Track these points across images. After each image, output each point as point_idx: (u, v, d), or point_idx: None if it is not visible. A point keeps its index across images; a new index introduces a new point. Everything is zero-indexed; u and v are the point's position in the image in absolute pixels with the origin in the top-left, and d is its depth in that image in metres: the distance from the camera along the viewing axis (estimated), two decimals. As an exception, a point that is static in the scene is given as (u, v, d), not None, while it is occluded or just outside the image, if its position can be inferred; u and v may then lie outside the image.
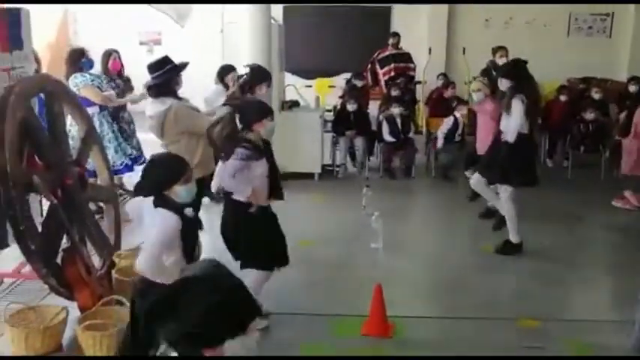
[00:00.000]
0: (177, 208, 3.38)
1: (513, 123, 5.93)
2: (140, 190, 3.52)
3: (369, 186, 7.96)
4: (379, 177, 9.52)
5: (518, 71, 6.12)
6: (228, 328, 1.74)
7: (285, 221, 7.05)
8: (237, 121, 4.43)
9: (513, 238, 6.26)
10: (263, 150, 4.46)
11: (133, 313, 3.34)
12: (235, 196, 4.44)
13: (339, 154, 9.71)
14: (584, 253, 6.33)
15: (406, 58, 11.11)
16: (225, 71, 7.26)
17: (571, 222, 7.13)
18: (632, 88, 9.45)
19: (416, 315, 5.01)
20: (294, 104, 9.40)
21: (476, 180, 6.52)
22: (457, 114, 9.28)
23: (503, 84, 6.06)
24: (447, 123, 9.35)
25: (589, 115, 9.37)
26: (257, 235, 4.49)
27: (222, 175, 4.44)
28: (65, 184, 4.72)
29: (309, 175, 9.20)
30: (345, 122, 9.55)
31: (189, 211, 3.46)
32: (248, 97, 5.88)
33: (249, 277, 4.45)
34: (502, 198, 6.24)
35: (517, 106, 5.90)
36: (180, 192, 3.40)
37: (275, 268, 4.70)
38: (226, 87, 7.06)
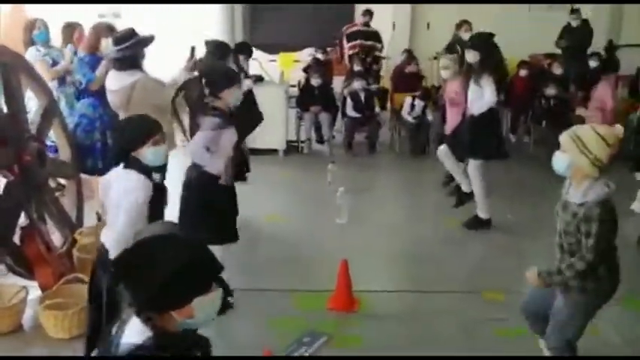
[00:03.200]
0: (146, 172, 3.31)
1: (487, 98, 5.96)
2: (110, 153, 3.47)
3: (334, 162, 7.96)
4: (345, 153, 9.50)
5: (486, 43, 6.14)
6: (194, 287, 1.71)
7: (251, 197, 7.02)
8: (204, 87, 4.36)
9: (482, 213, 6.31)
10: (230, 117, 4.38)
11: (92, 285, 3.23)
12: (207, 169, 4.33)
13: (303, 130, 9.66)
14: (546, 226, 6.35)
15: (374, 36, 11.04)
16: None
17: (533, 196, 7.22)
18: (592, 64, 9.57)
19: (381, 289, 5.03)
20: (259, 79, 9.26)
21: (443, 152, 6.49)
22: (415, 102, 9.40)
23: (472, 56, 6.04)
24: (407, 104, 9.43)
25: (550, 91, 9.47)
26: (223, 209, 4.42)
27: (195, 149, 4.32)
28: (23, 160, 4.58)
29: (273, 151, 9.14)
30: (310, 97, 9.47)
31: (157, 176, 3.39)
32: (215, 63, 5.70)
33: None
34: (471, 174, 6.27)
35: (489, 81, 5.93)
36: (148, 154, 3.31)
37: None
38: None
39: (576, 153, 3.16)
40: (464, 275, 5.33)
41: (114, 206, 3.33)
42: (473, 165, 6.21)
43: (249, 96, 7.41)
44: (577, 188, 3.23)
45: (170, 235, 1.79)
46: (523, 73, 10.17)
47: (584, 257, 3.15)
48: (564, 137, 3.24)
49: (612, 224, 3.16)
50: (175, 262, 1.67)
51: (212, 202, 4.35)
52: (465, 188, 6.46)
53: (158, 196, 3.37)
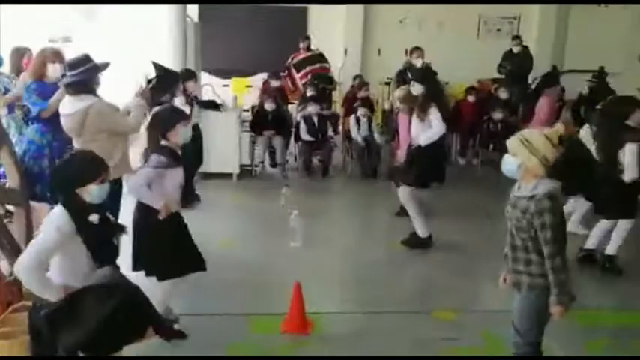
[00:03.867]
0: (84, 211, 3.28)
1: (436, 129, 6.22)
2: (51, 188, 3.42)
3: (288, 185, 8.04)
4: (298, 177, 9.59)
5: (429, 77, 6.53)
6: (127, 333, 1.72)
7: (204, 222, 7.03)
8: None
9: (421, 232, 6.47)
10: (180, 157, 4.37)
11: (31, 321, 3.18)
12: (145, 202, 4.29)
13: (257, 154, 9.71)
14: (493, 246, 6.54)
15: (320, 58, 11.22)
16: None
17: (481, 217, 7.40)
18: (533, 86, 9.93)
19: (334, 311, 5.09)
20: (215, 106, 9.30)
21: (401, 192, 6.64)
22: (358, 113, 9.65)
23: (417, 88, 6.33)
24: (351, 123, 9.63)
25: (497, 115, 9.77)
26: (162, 243, 4.32)
27: (134, 185, 4.26)
28: (-30, 186, 4.51)
29: (227, 176, 9.16)
30: (263, 122, 9.55)
31: (95, 217, 3.33)
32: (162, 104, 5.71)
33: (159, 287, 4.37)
34: (401, 197, 6.50)
35: (435, 114, 6.20)
36: (94, 191, 3.29)
37: (189, 272, 4.52)
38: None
39: (526, 154, 3.34)
40: (415, 295, 5.43)
41: None
42: (402, 189, 6.45)
43: (197, 131, 7.51)
44: (526, 186, 3.39)
45: (103, 284, 1.79)
46: (471, 98, 10.47)
47: (550, 253, 3.27)
48: (513, 142, 3.42)
49: (562, 218, 3.32)
50: (106, 311, 1.69)
51: (158, 236, 4.31)
52: (421, 234, 6.55)
53: (98, 232, 3.32)
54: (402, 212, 7.52)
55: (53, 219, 3.28)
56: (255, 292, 5.37)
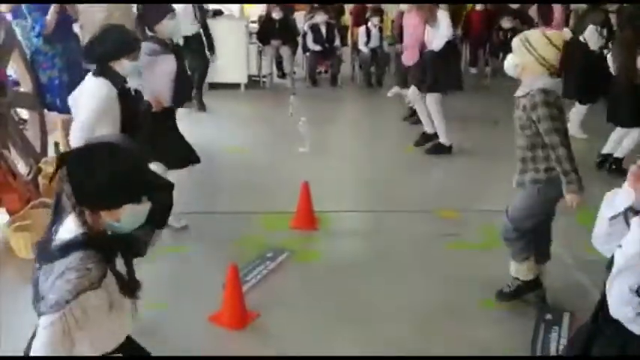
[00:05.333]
0: (118, 80, 3.47)
1: (442, 32, 6.21)
2: (87, 54, 3.62)
3: (295, 94, 8.06)
4: (305, 86, 9.59)
5: None
6: (126, 194, 1.82)
7: (213, 130, 7.13)
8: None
9: (443, 140, 6.54)
10: (169, 46, 4.39)
11: None
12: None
13: (265, 64, 9.68)
14: (500, 150, 6.63)
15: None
16: None
17: (489, 124, 7.45)
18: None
19: (342, 209, 5.22)
20: (218, 13, 9.24)
21: (412, 92, 6.69)
22: (369, 24, 9.45)
23: None
24: (361, 34, 9.51)
25: (506, 24, 9.62)
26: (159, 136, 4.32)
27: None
28: (-18, 89, 4.60)
29: (235, 86, 9.18)
30: (271, 31, 9.47)
31: (131, 84, 3.57)
32: None
33: None
34: (429, 104, 6.49)
35: (443, 15, 6.18)
36: (128, 66, 3.50)
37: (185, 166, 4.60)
38: None
39: (523, 52, 3.37)
40: (420, 196, 5.54)
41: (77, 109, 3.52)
42: (430, 97, 6.42)
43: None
44: (524, 84, 3.45)
45: (116, 144, 1.89)
46: (479, 7, 10.26)
47: (552, 143, 3.31)
48: (515, 41, 3.46)
49: (558, 110, 3.34)
50: (114, 167, 1.79)
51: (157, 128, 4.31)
52: (429, 130, 6.68)
53: (132, 101, 3.53)
54: (409, 117, 7.60)
55: (92, 91, 3.48)
56: (265, 193, 5.51)
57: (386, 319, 3.64)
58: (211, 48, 7.93)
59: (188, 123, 6.83)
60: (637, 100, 5.69)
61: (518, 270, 3.73)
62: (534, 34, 3.42)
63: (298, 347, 3.38)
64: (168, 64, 4.37)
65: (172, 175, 4.46)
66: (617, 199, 1.96)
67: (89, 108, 3.44)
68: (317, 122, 7.13)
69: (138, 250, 2.02)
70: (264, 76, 9.70)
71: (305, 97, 8.54)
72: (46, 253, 1.82)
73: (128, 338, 2.09)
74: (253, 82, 9.53)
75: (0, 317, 3.45)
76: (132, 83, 3.69)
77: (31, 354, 1.80)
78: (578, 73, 6.59)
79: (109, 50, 3.48)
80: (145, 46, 4.16)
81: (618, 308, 1.87)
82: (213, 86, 8.89)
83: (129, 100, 3.56)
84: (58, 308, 1.74)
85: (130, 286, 1.91)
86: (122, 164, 1.80)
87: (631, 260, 1.81)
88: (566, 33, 4.65)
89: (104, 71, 3.49)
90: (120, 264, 1.93)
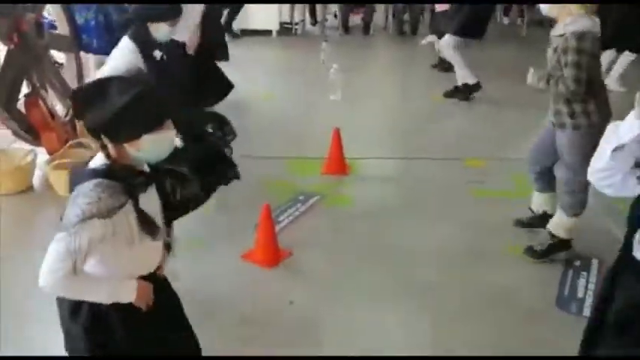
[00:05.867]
0: (148, 46, 3.50)
1: None
2: (132, 11, 3.67)
3: (327, 41, 8.03)
4: (338, 34, 9.54)
5: None
6: (142, 123, 1.87)
7: (245, 77, 7.16)
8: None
9: (470, 80, 6.52)
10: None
11: None
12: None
13: (297, 11, 9.63)
14: (529, 100, 6.61)
15: None
16: None
17: (521, 74, 7.34)
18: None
19: (372, 156, 5.27)
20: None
21: (446, 44, 6.60)
22: None
23: None
24: None
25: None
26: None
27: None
28: (21, 29, 4.68)
29: (267, 32, 9.16)
30: (304, -23, 9.39)
31: (158, 53, 3.56)
32: None
33: None
34: (443, 47, 6.52)
35: None
36: (164, 32, 3.54)
37: None
38: None
39: None
40: (448, 144, 5.54)
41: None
42: (446, 42, 6.44)
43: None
44: (560, 24, 3.39)
45: (126, 76, 1.93)
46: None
47: (567, 85, 3.30)
48: None
49: (591, 57, 3.30)
50: (126, 96, 1.82)
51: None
52: (470, 81, 6.58)
53: (161, 71, 3.53)
54: (439, 65, 7.55)
55: (121, 46, 3.55)
56: (297, 139, 5.58)
57: (413, 262, 3.72)
58: None
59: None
60: None
61: (562, 226, 3.65)
62: None
63: (328, 285, 3.49)
64: (194, 10, 4.39)
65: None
66: (621, 129, 1.87)
67: (111, 69, 3.41)
68: (349, 70, 7.12)
69: (176, 196, 2.07)
70: (296, 23, 9.65)
71: (337, 44, 8.51)
72: (75, 181, 1.89)
73: (161, 282, 2.14)
74: (285, 29, 9.50)
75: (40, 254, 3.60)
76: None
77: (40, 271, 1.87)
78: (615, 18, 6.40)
79: (153, 11, 3.53)
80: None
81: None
82: (245, 32, 8.89)
83: (155, 67, 3.53)
84: (65, 229, 1.82)
85: (149, 226, 1.92)
86: (132, 94, 1.82)
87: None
88: None
89: (139, 34, 3.53)
90: (153, 203, 1.98)
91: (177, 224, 2.22)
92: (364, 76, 7.63)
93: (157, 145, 1.91)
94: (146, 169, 1.97)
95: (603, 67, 6.69)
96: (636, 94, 1.84)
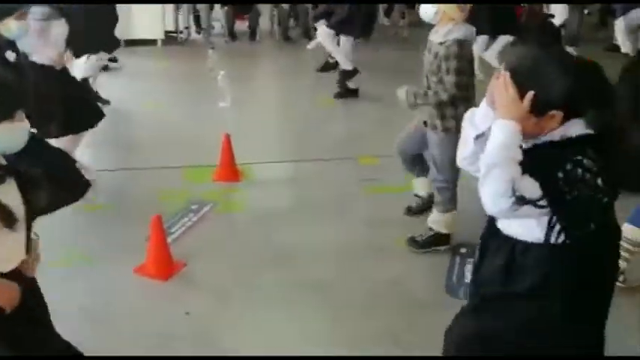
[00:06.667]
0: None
1: None
2: None
3: (213, 48, 7.99)
4: (224, 41, 9.49)
5: None
6: None
7: (130, 87, 6.99)
8: None
9: (346, 65, 6.79)
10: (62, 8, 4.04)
11: None
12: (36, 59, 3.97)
13: (182, 19, 9.50)
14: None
15: None
16: None
17: (405, 73, 7.56)
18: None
19: (264, 161, 5.28)
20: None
21: (324, 33, 6.80)
22: None
23: None
24: None
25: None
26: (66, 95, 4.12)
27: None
28: None
29: (151, 42, 8.99)
30: (186, -15, 9.28)
31: (11, 55, 3.37)
32: None
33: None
34: (342, 46, 6.73)
35: None
36: (14, 28, 3.33)
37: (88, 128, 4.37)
38: None
39: None
40: (340, 144, 5.65)
41: None
42: (346, 40, 6.66)
43: None
44: (440, 30, 3.52)
45: None
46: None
47: (447, 90, 3.46)
48: None
49: (469, 62, 3.49)
50: None
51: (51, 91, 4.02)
52: (347, 67, 6.81)
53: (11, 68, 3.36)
54: (326, 67, 7.69)
55: None
56: (187, 147, 5.48)
57: (308, 262, 3.76)
58: None
59: (103, 81, 6.72)
60: None
61: (438, 221, 3.81)
62: None
63: (224, 292, 3.45)
64: (62, 28, 4.11)
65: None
66: (477, 118, 1.95)
67: None
68: (237, 76, 7.10)
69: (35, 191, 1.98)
70: (181, 32, 9.52)
71: (224, 51, 8.48)
72: None
73: (34, 297, 2.06)
74: (170, 38, 9.35)
75: None
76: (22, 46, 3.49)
77: None
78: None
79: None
80: (35, 10, 3.89)
81: (494, 201, 1.82)
82: (129, 43, 8.67)
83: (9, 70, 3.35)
84: None
85: (5, 215, 1.85)
86: None
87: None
88: None
89: None
90: (12, 196, 1.91)
91: (66, 239, 2.15)
92: (253, 82, 7.64)
93: (9, 134, 1.86)
94: (2, 161, 1.91)
95: (481, 46, 7.10)
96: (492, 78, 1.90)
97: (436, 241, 3.84)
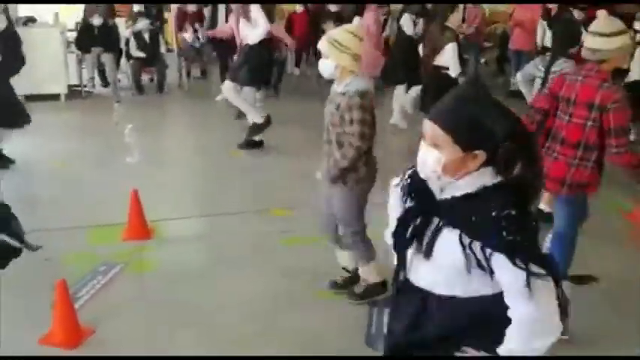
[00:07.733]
0: None
1: (261, 26, 6.46)
2: None
3: (119, 102, 7.83)
4: (131, 94, 9.33)
5: None
6: None
7: (31, 145, 6.71)
8: None
9: (256, 119, 6.80)
10: None
11: None
12: None
13: (85, 73, 9.28)
14: (320, 149, 6.94)
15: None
16: None
17: (314, 123, 7.61)
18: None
19: (175, 217, 5.15)
20: (30, 20, 8.72)
21: (229, 88, 6.76)
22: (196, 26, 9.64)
23: None
24: (189, 32, 9.62)
25: (329, 27, 9.94)
26: None
27: None
28: None
29: (54, 97, 8.71)
30: (90, 38, 9.08)
31: None
32: None
33: None
34: (224, 90, 6.84)
35: (258, 11, 6.33)
36: None
37: None
38: None
39: (338, 54, 3.44)
40: (254, 197, 5.61)
41: None
42: (226, 84, 6.78)
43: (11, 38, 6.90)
44: (341, 83, 3.54)
45: None
46: (300, 9, 10.54)
47: (352, 144, 3.46)
48: (323, 44, 3.50)
49: (370, 114, 3.50)
50: None
51: None
52: (257, 120, 6.82)
53: None
54: (241, 114, 7.67)
55: None
56: (94, 205, 5.29)
57: (224, 318, 3.66)
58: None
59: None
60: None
61: (368, 272, 3.80)
62: (341, 34, 3.47)
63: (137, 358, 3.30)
64: None
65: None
66: (390, 205, 2.11)
67: None
68: (144, 130, 6.97)
69: None
70: (84, 85, 9.29)
71: (131, 105, 8.34)
72: None
73: None
74: (74, 92, 9.11)
75: None
76: None
77: None
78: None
79: None
80: None
81: None
82: (30, 98, 8.36)
83: None
84: None
85: None
86: None
87: None
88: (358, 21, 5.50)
89: None
90: None
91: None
92: (162, 135, 7.52)
93: None
94: None
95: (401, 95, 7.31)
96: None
97: (372, 291, 3.82)
